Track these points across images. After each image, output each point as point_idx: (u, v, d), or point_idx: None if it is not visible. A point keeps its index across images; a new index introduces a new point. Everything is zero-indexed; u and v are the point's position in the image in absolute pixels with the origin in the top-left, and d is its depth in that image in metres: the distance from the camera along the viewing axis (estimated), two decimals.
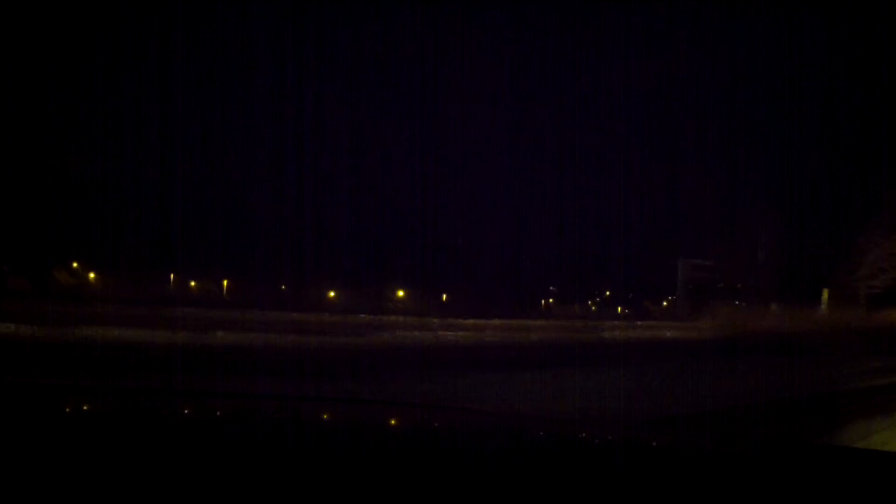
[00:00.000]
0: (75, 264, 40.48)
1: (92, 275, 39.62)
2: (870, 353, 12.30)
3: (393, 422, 2.14)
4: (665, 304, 45.13)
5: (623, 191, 45.41)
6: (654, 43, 45.88)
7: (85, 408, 2.04)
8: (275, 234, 39.03)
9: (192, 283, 39.36)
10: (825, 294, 23.75)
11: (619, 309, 46.49)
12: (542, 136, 56.65)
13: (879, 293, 22.10)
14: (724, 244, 31.88)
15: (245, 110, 46.24)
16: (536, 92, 57.24)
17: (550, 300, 48.55)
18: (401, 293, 43.34)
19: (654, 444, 2.07)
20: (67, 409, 1.99)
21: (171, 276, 36.29)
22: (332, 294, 41.33)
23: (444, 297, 42.20)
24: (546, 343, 18.56)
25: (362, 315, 26.67)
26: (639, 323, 33.12)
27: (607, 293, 49.73)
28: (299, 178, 40.66)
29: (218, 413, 2.14)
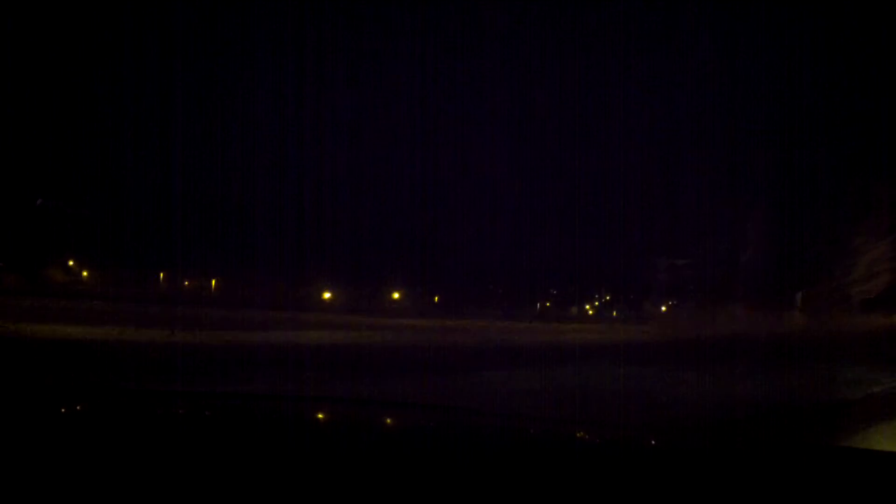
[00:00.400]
0: (71, 262, 40.64)
1: (85, 273, 39.69)
2: (846, 361, 11.31)
3: (393, 422, 2.14)
4: (664, 308, 44.62)
5: (624, 195, 44.92)
6: (646, 43, 45.31)
7: (86, 407, 2.02)
8: (268, 234, 38.91)
9: (186, 283, 39.33)
10: (798, 298, 23.12)
11: (615, 312, 46.51)
12: (541, 139, 56.28)
13: (873, 298, 21.39)
14: (708, 243, 31.18)
15: (241, 111, 46.12)
16: (535, 96, 56.94)
17: (547, 303, 48.57)
18: (396, 295, 43.33)
19: (654, 444, 2.04)
20: (65, 409, 1.96)
21: (161, 274, 36.23)
22: (326, 294, 41.23)
23: (436, 298, 42.28)
24: (444, 345, 17.11)
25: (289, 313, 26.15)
26: (574, 326, 32.10)
27: (607, 296, 49.66)
28: (293, 180, 40.52)
29: (218, 413, 2.12)
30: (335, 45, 49.25)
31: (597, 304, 49.63)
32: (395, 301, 42.12)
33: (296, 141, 41.70)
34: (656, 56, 48.62)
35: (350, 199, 46.62)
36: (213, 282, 38.37)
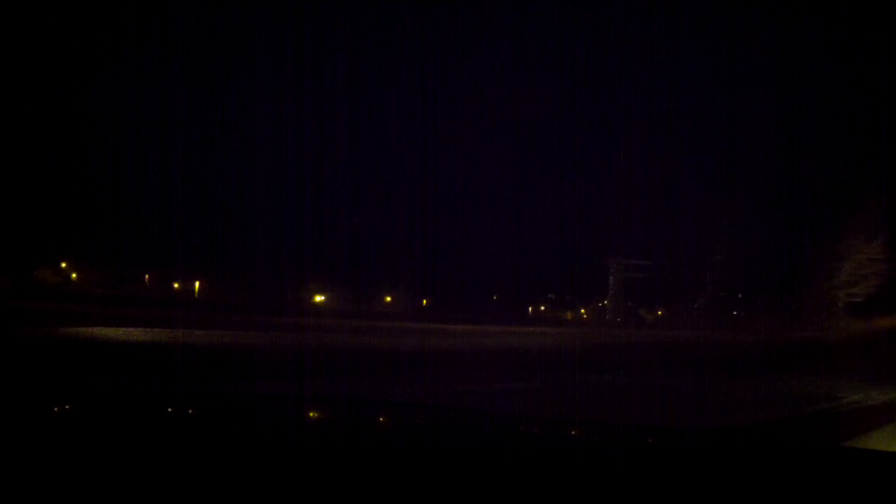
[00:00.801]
0: (63, 264, 40.61)
1: (74, 275, 39.65)
2: (803, 372, 10.38)
3: (393, 422, 2.13)
4: (659, 312, 44.23)
5: (622, 200, 44.47)
6: (635, 43, 44.84)
7: (86, 407, 1.98)
8: (257, 237, 38.75)
9: (176, 285, 39.20)
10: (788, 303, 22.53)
11: (607, 316, 46.40)
12: (537, 142, 56.00)
13: (860, 301, 20.70)
14: (677, 243, 30.63)
15: (234, 112, 46.01)
16: (527, 99, 56.83)
17: (542, 307, 48.40)
18: (389, 298, 43.23)
19: (654, 444, 2.02)
20: (66, 409, 1.94)
21: (146, 276, 36.09)
22: (318, 298, 41.04)
23: (425, 301, 42.19)
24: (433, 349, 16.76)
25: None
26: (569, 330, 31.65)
27: (605, 301, 49.46)
28: (285, 182, 40.36)
29: (218, 413, 2.09)
30: (325, 47, 49.16)
31: (592, 307, 49.44)
32: (388, 304, 41.97)
33: (287, 143, 41.49)
34: (647, 56, 48.19)
35: (343, 203, 46.48)
36: (198, 284, 38.21)
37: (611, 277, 42.60)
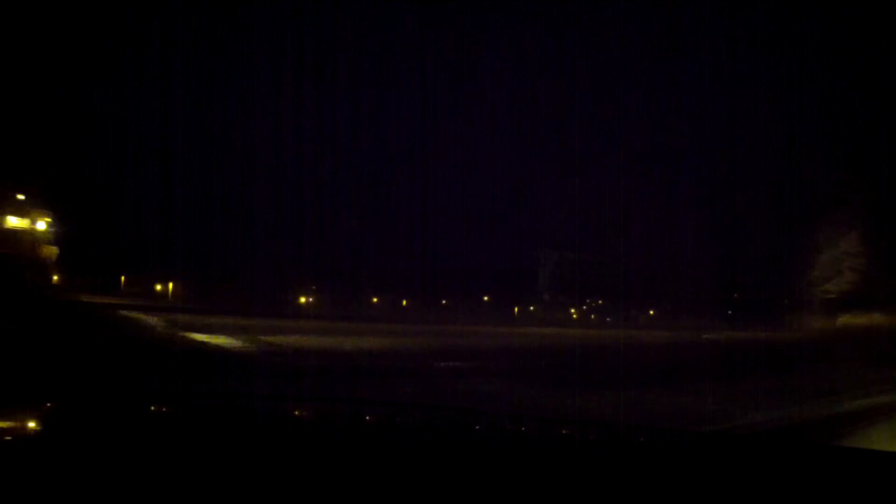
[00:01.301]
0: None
1: (56, 277, 39.61)
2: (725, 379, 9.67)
3: (392, 422, 2.14)
4: (651, 312, 43.74)
5: (617, 203, 44.03)
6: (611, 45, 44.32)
7: (84, 407, 1.98)
8: (246, 239, 38.62)
9: (158, 287, 39.09)
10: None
11: (593, 317, 46.18)
12: (529, 142, 55.72)
13: (835, 298, 19.82)
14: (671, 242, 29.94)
15: (208, 117, 45.93)
16: (507, 100, 56.69)
17: (531, 307, 48.15)
18: (375, 299, 43.16)
19: (653, 443, 2.02)
20: (64, 409, 1.96)
21: (122, 278, 35.96)
22: (303, 299, 40.91)
23: (405, 302, 42.07)
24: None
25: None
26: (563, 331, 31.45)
27: (600, 301, 49.20)
28: (272, 184, 40.25)
29: (218, 413, 2.09)
30: (325, 46, 49.15)
31: (584, 308, 49.12)
32: (377, 306, 41.87)
33: (274, 145, 41.38)
34: (646, 57, 47.62)
35: (338, 205, 46.43)
36: (171, 285, 38.07)
37: (542, 269, 42.22)
